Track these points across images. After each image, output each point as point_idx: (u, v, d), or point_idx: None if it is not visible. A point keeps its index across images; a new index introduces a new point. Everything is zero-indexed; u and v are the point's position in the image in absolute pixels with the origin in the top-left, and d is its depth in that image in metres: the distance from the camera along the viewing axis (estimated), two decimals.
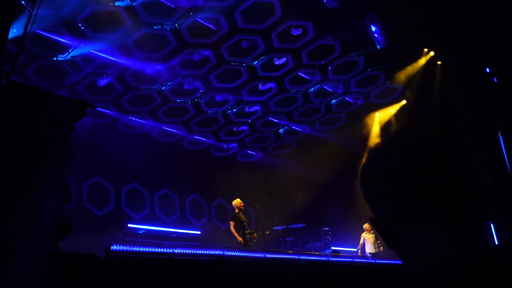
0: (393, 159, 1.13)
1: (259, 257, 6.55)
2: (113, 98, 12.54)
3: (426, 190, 1.07)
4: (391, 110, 16.76)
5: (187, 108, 13.90)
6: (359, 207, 15.01)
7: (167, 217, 14.61)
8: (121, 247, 4.59)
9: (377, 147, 1.21)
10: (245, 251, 6.52)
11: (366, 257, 10.94)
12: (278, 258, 6.90)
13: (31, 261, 3.25)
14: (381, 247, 13.52)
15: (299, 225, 14.21)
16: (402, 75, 14.73)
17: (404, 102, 16.22)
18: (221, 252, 5.79)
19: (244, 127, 15.85)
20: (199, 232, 14.13)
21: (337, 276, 7.71)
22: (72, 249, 4.03)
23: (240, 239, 10.00)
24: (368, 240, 13.82)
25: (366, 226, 13.86)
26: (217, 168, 16.40)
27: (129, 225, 12.15)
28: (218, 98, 13.95)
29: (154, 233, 12.47)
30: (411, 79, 14.84)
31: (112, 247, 4.50)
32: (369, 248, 13.66)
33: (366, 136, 17.22)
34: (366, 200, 1.21)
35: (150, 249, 4.91)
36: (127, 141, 13.39)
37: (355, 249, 15.23)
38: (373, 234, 13.74)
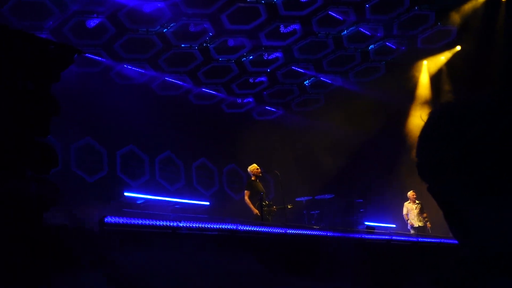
0: (468, 124, 1.09)
1: (278, 233, 6.65)
2: (105, 42, 12.54)
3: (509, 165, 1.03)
4: (442, 58, 16.49)
5: (193, 55, 13.86)
6: (401, 175, 15.03)
7: (170, 185, 14.84)
8: (116, 219, 4.69)
9: (446, 107, 1.16)
10: (262, 225, 6.62)
11: (408, 234, 11.01)
12: (301, 234, 6.99)
13: (11, 235, 3.34)
14: (428, 222, 13.54)
15: (327, 196, 14.33)
16: (457, 15, 14.39)
17: (458, 48, 15.90)
18: (234, 227, 5.88)
19: (262, 78, 15.77)
20: (207, 203, 14.36)
21: (372, 256, 7.79)
22: (59, 222, 4.12)
23: (256, 211, 10.15)
24: (411, 211, 13.84)
25: (410, 194, 13.85)
26: (230, 127, 16.47)
27: (125, 193, 12.36)
28: (231, 42, 13.85)
29: (155, 203, 12.69)
30: (468, 19, 14.49)
31: (106, 219, 4.60)
32: (413, 221, 13.71)
33: (411, 90, 17.05)
34: (423, 174, 1.19)
35: (151, 222, 5.02)
36: (122, 94, 13.46)
37: (394, 225, 15.34)
38: (419, 205, 13.74)
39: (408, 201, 13.96)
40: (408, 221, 13.77)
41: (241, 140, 15.77)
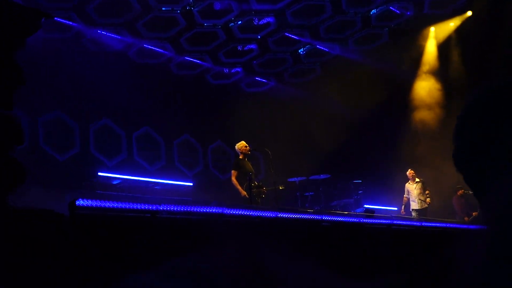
0: None
1: (269, 217, 6.66)
2: (76, 5, 12.38)
3: None
4: (451, 25, 16.47)
5: (175, 19, 13.73)
6: (404, 154, 15.14)
7: (150, 164, 14.85)
8: (89, 202, 4.67)
9: (495, 89, 1.17)
10: (251, 209, 6.63)
11: (410, 219, 11.11)
12: (294, 218, 7.02)
13: None
14: (428, 198, 13.57)
15: (322, 176, 14.42)
16: None
17: (469, 13, 15.87)
18: (220, 210, 5.89)
19: (252, 46, 15.68)
20: (191, 184, 14.41)
21: (371, 243, 7.84)
22: (25, 205, 4.10)
23: (244, 193, 10.20)
24: (411, 192, 13.82)
25: (409, 173, 13.87)
26: (216, 100, 16.45)
27: (99, 173, 12.36)
28: (217, 6, 13.73)
29: (132, 184, 12.71)
30: None
31: (77, 203, 4.58)
32: (413, 203, 13.71)
33: (416, 59, 17.06)
34: (460, 160, 1.19)
35: (128, 205, 5.00)
36: (96, 63, 13.37)
37: (395, 209, 15.48)
38: (419, 184, 13.75)
39: (408, 182, 13.98)
40: (403, 207, 13.82)
41: (228, 115, 15.75)
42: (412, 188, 13.82)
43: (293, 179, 13.91)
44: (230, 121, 15.54)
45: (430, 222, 9.64)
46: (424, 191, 13.65)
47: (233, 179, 10.54)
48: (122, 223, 4.93)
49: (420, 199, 13.61)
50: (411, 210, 13.72)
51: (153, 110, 14.82)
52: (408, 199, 13.95)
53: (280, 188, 10.66)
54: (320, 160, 15.88)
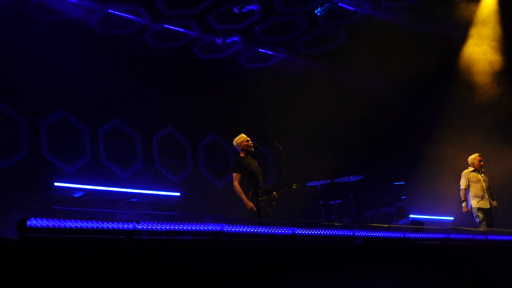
0: None
1: (283, 235, 6.66)
2: None
3: None
4: None
5: None
6: (458, 142, 15.06)
7: (122, 168, 14.83)
8: (44, 222, 4.66)
9: None
10: (259, 224, 6.61)
11: (472, 231, 10.77)
12: (317, 236, 7.01)
13: None
14: (495, 201, 12.99)
15: (352, 178, 14.42)
16: None
17: None
18: (218, 228, 5.89)
19: (253, 7, 15.65)
20: (177, 194, 14.38)
21: (421, 265, 7.84)
22: None
23: (250, 204, 10.15)
24: (475, 184, 13.04)
25: (473, 158, 13.19)
26: (207, 81, 16.43)
27: (56, 184, 12.31)
28: None
29: (100, 196, 12.69)
30: None
31: (29, 223, 4.57)
32: (478, 201, 12.89)
33: (469, 17, 16.94)
34: None
35: (96, 225, 5.00)
36: (47, 36, 13.33)
37: (451, 218, 15.43)
38: (486, 176, 13.17)
39: (470, 168, 13.32)
40: (463, 204, 13.03)
41: (224, 100, 15.74)
42: (479, 179, 13.09)
43: (313, 183, 13.88)
44: (226, 108, 15.52)
45: (500, 235, 9.61)
46: (489, 188, 13.14)
47: (235, 184, 10.46)
48: (88, 248, 4.92)
49: (487, 194, 12.95)
50: (473, 209, 12.94)
51: (124, 97, 14.83)
52: (467, 194, 13.14)
53: (294, 187, 10.57)
54: (348, 156, 15.87)
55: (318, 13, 16.38)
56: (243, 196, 10.27)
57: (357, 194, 14.61)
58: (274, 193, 10.61)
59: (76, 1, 13.76)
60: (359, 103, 16.27)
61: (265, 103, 16.33)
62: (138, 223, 5.31)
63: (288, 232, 6.70)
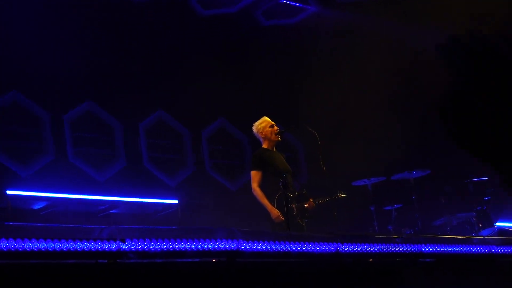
0: None
1: (322, 253, 6.68)
2: None
3: None
4: None
5: None
6: None
7: (98, 168, 14.82)
8: None
9: None
10: (289, 239, 6.64)
11: None
12: (369, 253, 7.02)
13: None
14: None
15: (415, 174, 14.34)
16: None
17: None
18: (232, 246, 5.90)
19: None
20: (175, 202, 14.39)
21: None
22: None
23: (275, 212, 10.15)
24: None
25: None
26: (209, 46, 16.37)
27: (8, 192, 12.37)
28: None
29: (68, 207, 12.70)
30: None
31: None
32: None
33: None
34: None
35: (64, 245, 5.02)
36: None
37: None
38: None
39: None
40: None
41: (234, 72, 15.72)
42: None
43: (361, 182, 13.88)
44: (238, 83, 15.52)
45: None
46: None
47: (255, 186, 10.41)
48: (56, 277, 4.96)
49: None
50: None
51: (98, 72, 14.82)
52: None
53: (340, 196, 10.55)
54: (409, 144, 15.82)
55: None
56: (266, 202, 10.24)
57: (422, 195, 14.53)
58: (311, 200, 10.56)
59: None
60: (423, 71, 16.18)
61: (292, 75, 16.27)
62: (123, 241, 5.30)
63: (329, 249, 6.71)
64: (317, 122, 11.54)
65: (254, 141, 11.34)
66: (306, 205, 10.41)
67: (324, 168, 10.41)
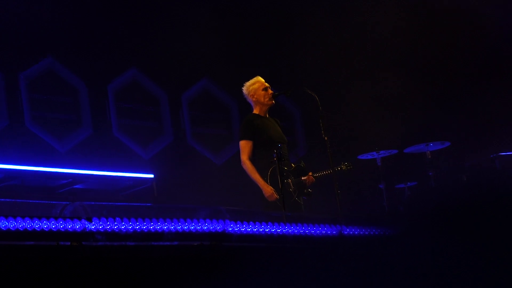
0: None
1: (323, 236, 6.70)
2: None
3: None
4: None
5: None
6: None
7: (59, 136, 14.78)
8: None
9: None
10: (284, 220, 6.66)
11: None
12: (377, 236, 7.03)
13: None
14: None
15: (432, 147, 14.34)
16: None
17: None
18: (218, 227, 5.91)
19: None
20: (150, 176, 14.40)
21: None
22: None
23: (268, 189, 10.16)
24: None
25: None
26: None
27: None
28: None
29: (25, 182, 12.70)
30: None
31: None
32: None
33: None
34: None
35: (20, 224, 5.02)
36: None
37: None
38: None
39: None
40: None
41: (222, 20, 15.66)
42: None
43: (369, 156, 13.92)
44: (226, 34, 15.48)
45: None
46: None
47: (244, 158, 10.42)
48: (11, 260, 4.96)
49: None
50: None
51: (59, 24, 14.77)
52: None
53: (343, 168, 10.56)
54: (424, 111, 15.82)
55: None
56: (257, 177, 10.26)
57: (440, 171, 14.55)
58: (310, 174, 10.59)
59: None
60: (452, 29, 16.18)
61: (290, 27, 16.25)
62: (89, 220, 5.30)
63: (331, 232, 6.72)
64: (318, 83, 11.55)
65: (244, 106, 11.33)
66: (304, 178, 10.43)
67: (325, 138, 10.40)
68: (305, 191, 10.35)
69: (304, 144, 16.27)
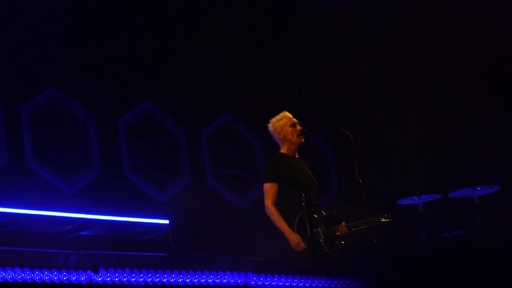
0: None
1: None
2: None
3: None
4: None
5: None
6: None
7: (65, 176, 14.83)
8: None
9: None
10: (313, 273, 6.69)
11: None
12: None
13: None
14: None
15: (480, 191, 14.30)
16: None
17: None
18: (240, 280, 5.94)
19: None
20: (165, 222, 14.41)
21: None
22: None
23: (294, 237, 10.16)
24: None
25: None
26: (209, 13, 16.38)
27: None
28: None
29: (25, 226, 12.73)
30: None
31: None
32: None
33: None
34: None
35: (18, 275, 5.06)
36: None
37: None
38: None
39: None
40: None
41: (247, 50, 15.73)
42: None
43: (409, 201, 13.92)
44: (251, 65, 15.56)
45: None
46: None
47: (268, 203, 10.39)
48: None
49: None
50: None
51: (64, 52, 14.87)
52: None
53: (383, 221, 10.55)
54: (472, 151, 15.82)
55: None
56: (283, 224, 10.24)
57: (491, 218, 14.49)
58: (344, 224, 10.54)
59: None
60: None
61: (320, 52, 16.31)
62: (96, 272, 5.33)
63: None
64: (353, 120, 11.55)
65: (270, 143, 11.34)
66: (337, 233, 10.39)
67: (360, 181, 10.39)
68: (337, 243, 10.31)
69: (336, 187, 16.27)
